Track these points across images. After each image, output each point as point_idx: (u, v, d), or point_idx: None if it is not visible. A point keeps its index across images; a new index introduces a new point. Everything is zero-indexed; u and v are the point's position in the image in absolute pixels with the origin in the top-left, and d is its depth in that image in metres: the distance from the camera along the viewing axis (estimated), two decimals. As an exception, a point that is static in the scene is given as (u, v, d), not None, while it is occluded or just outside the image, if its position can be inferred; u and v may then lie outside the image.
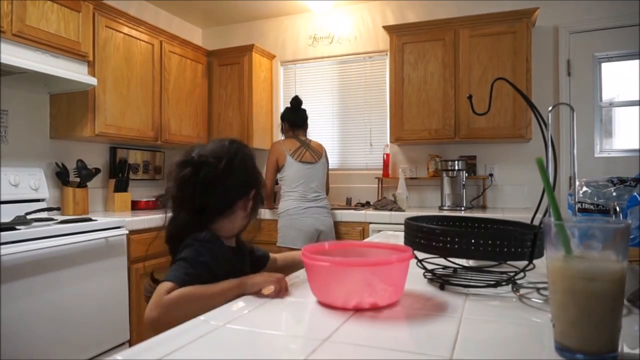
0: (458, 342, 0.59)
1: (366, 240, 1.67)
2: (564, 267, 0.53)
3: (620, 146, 3.01)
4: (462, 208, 3.08)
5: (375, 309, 0.73)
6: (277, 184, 3.06)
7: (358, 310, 0.73)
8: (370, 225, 2.91)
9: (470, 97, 1.07)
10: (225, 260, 1.00)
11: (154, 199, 3.24)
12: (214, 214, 1.04)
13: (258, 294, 0.85)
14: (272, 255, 1.28)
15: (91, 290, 2.22)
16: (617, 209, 0.91)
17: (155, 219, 2.65)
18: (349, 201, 3.51)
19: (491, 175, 3.23)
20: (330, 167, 3.75)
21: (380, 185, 3.47)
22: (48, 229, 2.03)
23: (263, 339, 0.62)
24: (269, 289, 0.84)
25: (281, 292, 0.85)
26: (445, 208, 3.13)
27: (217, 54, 3.66)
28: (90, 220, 2.32)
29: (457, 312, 0.72)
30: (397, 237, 1.70)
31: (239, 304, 0.79)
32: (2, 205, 2.32)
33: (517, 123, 2.90)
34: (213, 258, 0.97)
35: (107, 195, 3.07)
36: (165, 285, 0.90)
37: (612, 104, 3.04)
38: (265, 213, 3.08)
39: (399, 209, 3.00)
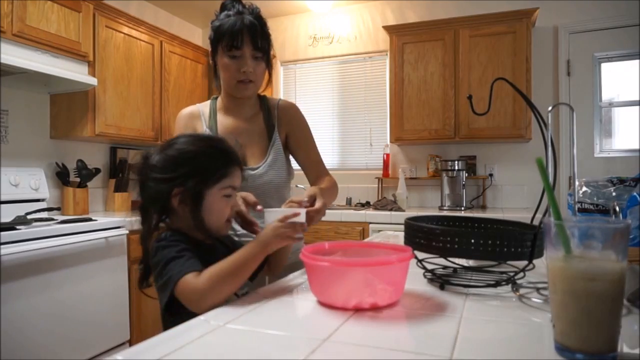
0: (458, 342, 0.59)
1: (366, 240, 1.67)
2: (563, 267, 0.53)
3: (620, 146, 3.02)
4: (462, 208, 3.09)
5: (375, 309, 0.73)
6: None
7: (358, 310, 0.73)
8: (370, 225, 2.91)
9: (470, 97, 1.07)
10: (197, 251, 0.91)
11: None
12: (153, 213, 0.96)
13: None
14: None
15: (91, 290, 2.22)
16: (617, 208, 0.91)
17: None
18: (349, 201, 3.51)
19: (491, 175, 3.24)
20: (330, 167, 3.75)
21: (380, 185, 3.47)
22: (48, 229, 2.03)
23: (263, 339, 0.62)
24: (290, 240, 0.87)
25: (298, 230, 0.88)
26: (445, 208, 3.13)
27: (217, 54, 3.65)
28: (90, 220, 2.33)
29: (457, 312, 0.72)
30: (397, 237, 1.70)
31: (239, 304, 0.79)
32: (2, 205, 2.32)
33: (517, 123, 2.90)
34: (187, 247, 0.89)
35: (107, 195, 3.07)
36: (185, 281, 0.81)
37: (611, 104, 3.05)
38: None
39: (399, 209, 3.00)
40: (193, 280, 0.80)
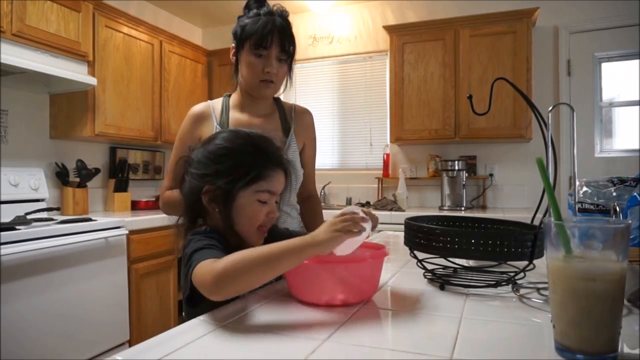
0: (458, 342, 0.59)
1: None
2: (564, 267, 0.53)
3: (620, 146, 3.01)
4: (462, 208, 3.08)
5: (346, 305, 0.76)
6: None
7: (355, 310, 0.73)
8: (370, 225, 2.91)
9: (470, 97, 1.07)
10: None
11: (154, 199, 3.24)
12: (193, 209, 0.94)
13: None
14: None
15: (91, 290, 2.22)
16: (617, 209, 0.91)
17: (155, 219, 2.66)
18: (349, 201, 3.51)
19: (491, 175, 3.23)
20: (330, 167, 3.75)
21: (380, 185, 3.47)
22: (48, 229, 2.03)
23: (263, 339, 0.62)
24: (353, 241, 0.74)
25: (358, 223, 0.74)
26: (445, 208, 3.13)
27: (217, 54, 3.65)
28: (90, 220, 2.32)
29: (457, 312, 0.72)
30: (397, 237, 1.70)
31: (239, 304, 0.79)
32: (2, 205, 2.32)
33: (517, 123, 2.90)
34: (220, 245, 0.84)
35: (107, 195, 3.07)
36: (201, 265, 0.73)
37: (612, 104, 3.04)
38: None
39: (399, 209, 3.00)
40: (210, 264, 0.72)
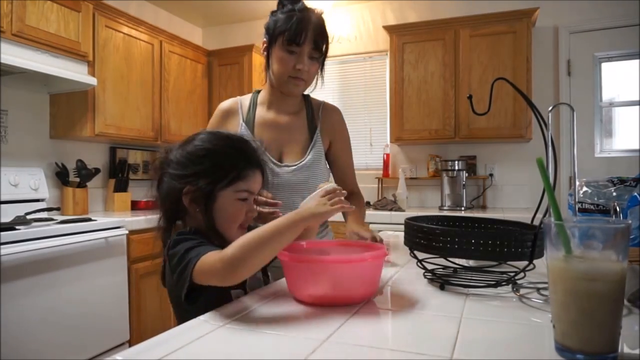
0: (458, 342, 0.59)
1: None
2: (564, 267, 0.53)
3: (620, 146, 3.01)
4: (462, 208, 3.08)
5: (348, 304, 0.76)
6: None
7: (357, 311, 0.73)
8: (370, 226, 2.91)
9: (470, 97, 1.07)
10: None
11: (153, 199, 3.24)
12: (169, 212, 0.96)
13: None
14: None
15: (91, 290, 2.22)
16: (617, 209, 0.91)
17: (155, 219, 2.64)
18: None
19: (491, 175, 3.23)
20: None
21: (380, 185, 3.47)
22: (48, 229, 2.03)
23: (263, 339, 0.62)
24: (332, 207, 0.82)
25: (338, 199, 0.85)
26: (445, 208, 3.13)
27: (217, 54, 3.66)
28: (90, 220, 2.32)
29: (457, 312, 0.72)
30: (398, 237, 1.70)
31: (238, 304, 0.79)
32: (2, 205, 2.32)
33: (517, 123, 2.90)
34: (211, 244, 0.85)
35: (107, 195, 3.07)
36: (205, 258, 0.75)
37: (612, 104, 3.04)
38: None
39: (399, 209, 3.00)
40: (215, 254, 0.74)
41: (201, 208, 0.89)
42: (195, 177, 0.89)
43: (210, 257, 0.75)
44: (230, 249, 0.73)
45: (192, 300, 0.79)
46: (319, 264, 0.77)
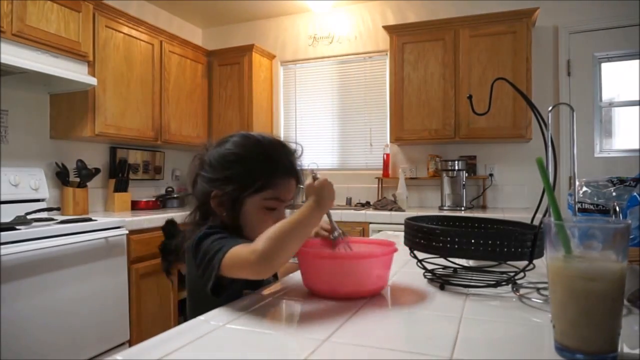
0: (458, 342, 0.59)
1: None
2: (564, 267, 0.53)
3: (620, 146, 3.01)
4: (462, 208, 3.08)
5: (359, 297, 0.79)
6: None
7: (358, 309, 0.73)
8: (370, 226, 2.91)
9: (470, 97, 1.07)
10: None
11: (154, 199, 3.24)
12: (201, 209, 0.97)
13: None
14: None
15: (91, 290, 2.22)
16: (617, 209, 0.91)
17: (155, 219, 2.65)
18: (349, 201, 3.51)
19: (491, 175, 3.23)
20: (330, 167, 3.75)
21: (380, 185, 3.47)
22: (48, 229, 2.03)
23: (263, 339, 0.62)
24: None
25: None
26: (445, 208, 3.13)
27: (217, 54, 3.66)
28: (90, 220, 2.32)
29: (457, 312, 0.72)
30: (398, 237, 1.69)
31: (238, 304, 0.79)
32: (2, 205, 2.32)
33: (517, 123, 2.90)
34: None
35: (107, 195, 3.07)
36: (234, 251, 0.75)
37: (612, 104, 3.04)
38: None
39: (399, 209, 3.00)
40: (246, 247, 0.75)
41: (228, 213, 0.90)
42: (224, 182, 0.89)
43: (242, 251, 0.75)
44: (260, 242, 0.73)
45: (217, 292, 0.79)
46: (348, 261, 0.83)
